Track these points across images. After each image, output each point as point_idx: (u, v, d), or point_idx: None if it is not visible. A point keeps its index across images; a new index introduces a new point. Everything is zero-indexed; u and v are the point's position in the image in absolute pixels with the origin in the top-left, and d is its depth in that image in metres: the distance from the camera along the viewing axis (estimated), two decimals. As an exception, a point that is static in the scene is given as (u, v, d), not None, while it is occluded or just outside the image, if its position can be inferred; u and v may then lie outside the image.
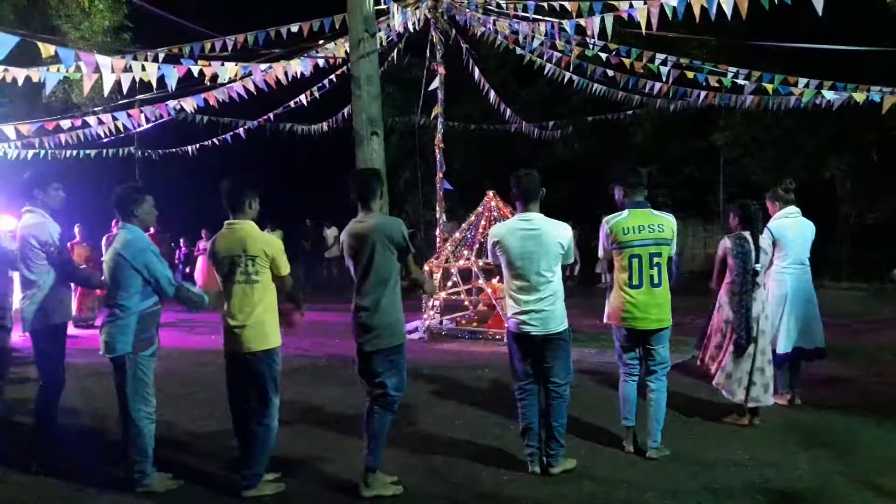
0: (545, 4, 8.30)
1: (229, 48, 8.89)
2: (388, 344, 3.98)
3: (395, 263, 4.00)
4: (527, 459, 4.37)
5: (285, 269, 4.06)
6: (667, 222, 4.49)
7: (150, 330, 4.13)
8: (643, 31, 6.47)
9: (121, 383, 4.09)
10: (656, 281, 4.45)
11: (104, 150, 14.05)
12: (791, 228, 5.63)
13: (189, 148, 14.53)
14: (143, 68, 6.20)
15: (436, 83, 10.23)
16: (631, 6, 6.57)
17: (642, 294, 4.44)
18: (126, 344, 4.03)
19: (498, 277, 9.75)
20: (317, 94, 11.95)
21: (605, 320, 4.70)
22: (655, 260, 4.44)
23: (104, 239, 11.19)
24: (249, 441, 4.02)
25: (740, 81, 8.81)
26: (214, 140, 13.93)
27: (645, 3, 6.31)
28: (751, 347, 5.03)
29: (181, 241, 16.99)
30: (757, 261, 5.02)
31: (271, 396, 4.02)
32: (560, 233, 4.22)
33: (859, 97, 7.81)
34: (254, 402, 4.01)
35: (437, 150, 10.29)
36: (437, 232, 10.38)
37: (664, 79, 9.21)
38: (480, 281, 9.94)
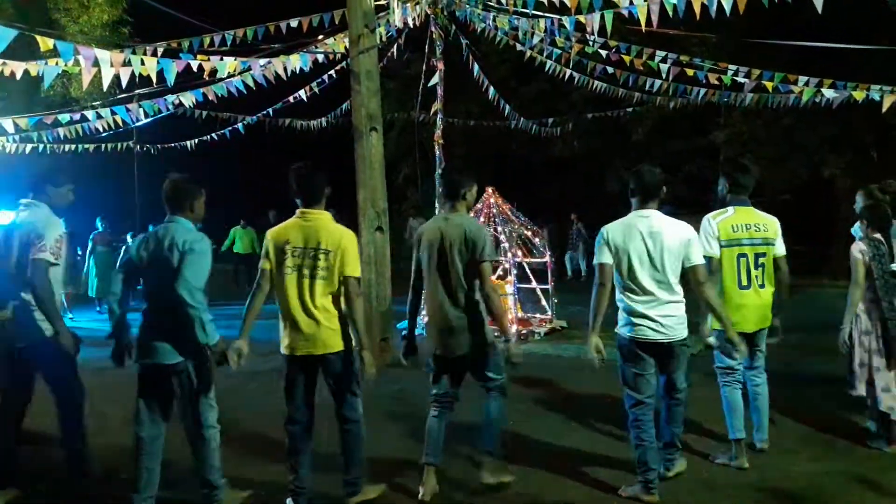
0: (545, 0, 8.28)
1: (228, 43, 8.88)
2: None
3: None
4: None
5: (353, 269, 3.72)
6: (770, 222, 4.42)
7: None
8: (643, 28, 6.46)
9: (177, 390, 3.64)
10: (761, 282, 4.36)
11: (103, 145, 14.05)
12: None
13: (188, 143, 14.52)
14: (143, 62, 6.16)
15: (435, 79, 10.20)
16: (631, 3, 6.54)
17: (750, 296, 4.34)
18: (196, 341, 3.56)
19: (504, 272, 9.77)
20: (316, 90, 11.94)
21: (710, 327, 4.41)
22: (760, 260, 4.35)
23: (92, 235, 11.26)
24: (344, 445, 3.82)
25: (740, 79, 8.80)
26: (213, 135, 13.92)
27: (645, 1, 6.29)
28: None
29: None
30: (892, 261, 4.61)
31: (356, 391, 3.86)
32: (683, 232, 3.89)
33: (859, 95, 7.79)
34: (338, 402, 3.84)
35: (436, 146, 10.27)
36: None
37: (664, 76, 9.20)
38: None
